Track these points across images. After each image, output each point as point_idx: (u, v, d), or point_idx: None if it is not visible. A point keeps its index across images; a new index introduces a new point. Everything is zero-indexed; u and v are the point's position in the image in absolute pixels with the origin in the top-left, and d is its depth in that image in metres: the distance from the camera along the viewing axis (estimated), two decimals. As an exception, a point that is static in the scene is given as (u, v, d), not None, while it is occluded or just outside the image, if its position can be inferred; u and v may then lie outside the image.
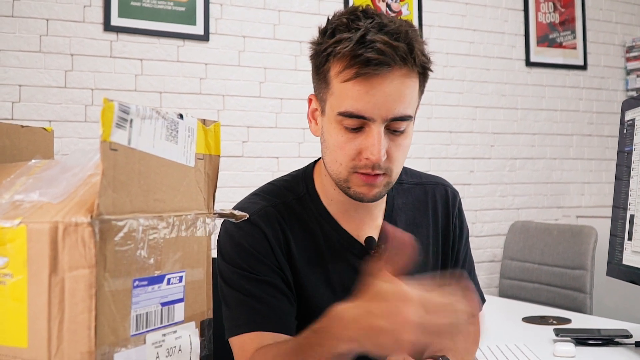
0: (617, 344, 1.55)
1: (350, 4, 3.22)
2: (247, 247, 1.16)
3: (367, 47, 1.03)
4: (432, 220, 1.31)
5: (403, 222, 1.28)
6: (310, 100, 1.22)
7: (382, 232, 1.24)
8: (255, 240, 1.16)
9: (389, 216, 1.26)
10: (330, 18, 1.13)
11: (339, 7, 3.21)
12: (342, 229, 1.22)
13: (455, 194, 1.36)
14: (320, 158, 1.25)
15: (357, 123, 1.07)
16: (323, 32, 1.12)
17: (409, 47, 1.05)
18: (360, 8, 1.11)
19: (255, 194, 1.25)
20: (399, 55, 1.04)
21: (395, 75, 1.05)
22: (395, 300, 0.81)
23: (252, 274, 1.15)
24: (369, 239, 1.21)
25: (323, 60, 1.11)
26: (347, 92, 1.06)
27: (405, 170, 1.34)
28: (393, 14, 3.30)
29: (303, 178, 1.26)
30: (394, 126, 1.08)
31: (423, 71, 1.11)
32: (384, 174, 1.10)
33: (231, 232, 1.18)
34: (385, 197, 1.27)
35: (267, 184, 1.28)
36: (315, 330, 0.93)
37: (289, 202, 1.22)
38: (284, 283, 1.17)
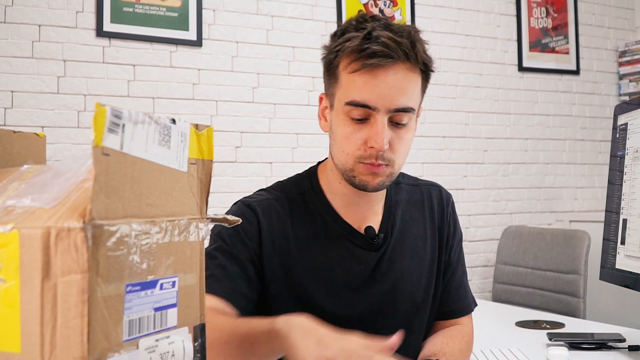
0: (611, 348, 1.55)
1: (343, 9, 3.23)
2: (237, 226, 1.22)
3: (373, 42, 1.11)
4: (428, 217, 1.38)
5: (400, 215, 1.34)
6: (320, 99, 1.28)
7: (382, 224, 1.31)
8: (247, 222, 1.23)
9: (388, 210, 1.32)
10: (341, 24, 1.22)
11: (332, 12, 3.23)
12: (343, 220, 1.28)
13: (448, 194, 1.44)
14: (324, 160, 1.34)
15: (363, 113, 1.14)
16: (334, 34, 1.21)
17: (412, 44, 1.14)
18: (370, 14, 1.20)
19: (262, 189, 1.33)
20: (402, 50, 1.12)
21: (399, 68, 1.13)
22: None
23: (228, 246, 1.21)
24: (369, 228, 1.27)
25: (333, 57, 1.19)
26: (354, 83, 1.14)
27: (402, 174, 1.41)
28: (386, 19, 3.31)
29: (307, 176, 1.34)
30: (397, 118, 1.15)
31: (425, 69, 1.19)
32: (387, 164, 1.17)
33: (229, 210, 1.27)
34: (386, 193, 1.34)
35: (277, 181, 1.36)
36: (267, 331, 1.00)
37: (293, 196, 1.29)
38: (254, 268, 1.22)
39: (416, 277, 1.33)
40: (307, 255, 1.25)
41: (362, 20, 1.17)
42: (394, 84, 1.12)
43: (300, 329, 0.93)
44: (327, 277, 1.25)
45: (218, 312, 1.12)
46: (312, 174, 1.34)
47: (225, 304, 1.15)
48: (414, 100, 1.16)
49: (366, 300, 1.27)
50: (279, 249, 1.24)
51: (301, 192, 1.30)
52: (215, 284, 1.16)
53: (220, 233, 1.23)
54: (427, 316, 1.37)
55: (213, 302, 1.14)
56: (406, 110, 1.14)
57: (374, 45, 1.11)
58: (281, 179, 1.36)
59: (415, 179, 1.44)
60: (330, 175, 1.29)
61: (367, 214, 1.30)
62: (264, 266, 1.23)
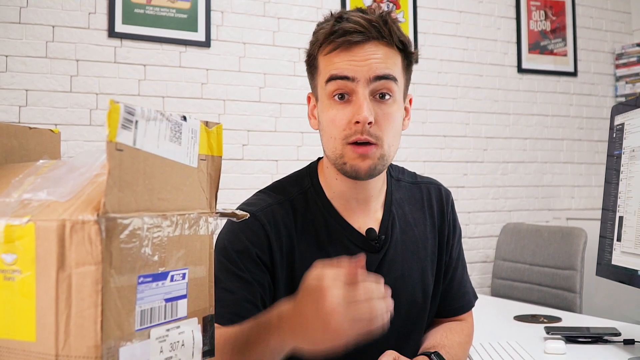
0: (606, 341, 1.56)
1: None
2: (244, 239, 1.18)
3: (344, 22, 1.13)
4: (428, 216, 1.35)
5: (400, 215, 1.31)
6: (309, 99, 1.28)
7: (382, 224, 1.27)
8: (254, 235, 1.18)
9: (387, 209, 1.29)
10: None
11: (337, 14, 3.26)
12: (344, 220, 1.24)
13: (448, 193, 1.40)
14: (322, 158, 1.30)
15: (344, 88, 1.13)
16: (313, 34, 1.22)
17: (384, 22, 1.14)
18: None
19: (262, 192, 1.29)
20: (373, 27, 1.12)
21: (374, 44, 1.13)
22: (318, 292, 0.84)
23: (234, 267, 1.16)
24: (370, 230, 1.24)
25: (310, 50, 1.20)
26: (331, 62, 1.14)
27: (403, 170, 1.39)
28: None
29: (308, 173, 1.30)
30: (380, 89, 1.14)
31: (403, 48, 1.18)
32: (375, 144, 1.14)
33: (233, 222, 1.21)
34: (386, 191, 1.31)
35: (275, 181, 1.32)
36: (258, 323, 0.97)
37: (294, 197, 1.25)
38: (267, 282, 1.18)
39: (417, 278, 1.30)
40: (311, 256, 1.19)
41: (337, 12, 1.18)
42: (370, 55, 1.12)
43: (289, 325, 0.90)
44: None
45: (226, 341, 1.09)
46: (312, 171, 1.30)
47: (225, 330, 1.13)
48: (395, 72, 1.14)
49: None
50: (286, 254, 1.20)
51: (302, 191, 1.26)
52: (221, 311, 1.09)
53: (225, 250, 1.18)
54: (428, 315, 1.35)
55: (221, 330, 1.07)
56: (387, 77, 1.13)
57: (345, 24, 1.12)
58: (279, 178, 1.33)
59: (415, 175, 1.40)
60: (327, 173, 1.25)
61: (366, 212, 1.26)
62: (275, 275, 1.20)
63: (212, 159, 0.68)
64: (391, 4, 3.38)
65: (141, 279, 0.57)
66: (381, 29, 1.12)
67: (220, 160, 0.70)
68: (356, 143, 1.13)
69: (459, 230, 1.41)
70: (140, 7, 2.84)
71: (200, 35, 2.96)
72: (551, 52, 3.84)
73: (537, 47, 3.80)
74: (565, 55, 3.88)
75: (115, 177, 0.53)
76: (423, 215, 1.35)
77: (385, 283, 1.18)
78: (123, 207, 0.54)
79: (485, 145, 3.66)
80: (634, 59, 3.92)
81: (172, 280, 0.61)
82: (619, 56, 4.01)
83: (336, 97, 1.14)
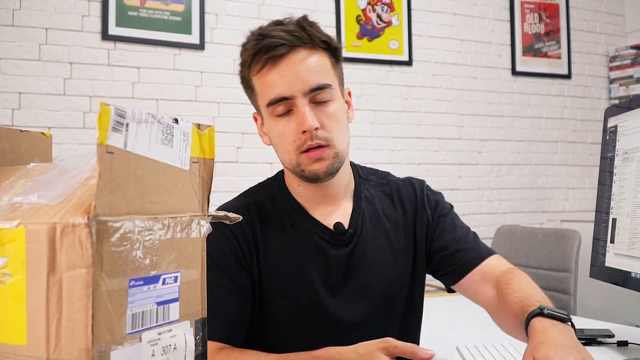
0: (600, 343, 1.55)
1: (342, 15, 3.28)
2: (211, 248, 1.21)
3: (265, 38, 1.16)
4: (400, 210, 1.36)
5: (371, 211, 1.33)
6: (255, 119, 1.31)
7: (352, 219, 1.30)
8: (223, 241, 1.23)
9: (357, 205, 1.32)
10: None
11: (331, 18, 3.27)
12: (313, 218, 1.28)
13: (421, 182, 1.40)
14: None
15: (285, 106, 1.18)
16: (240, 55, 1.25)
17: (301, 28, 1.18)
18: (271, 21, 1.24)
19: (233, 198, 1.34)
20: (294, 36, 1.16)
21: (298, 52, 1.17)
22: None
23: (214, 275, 1.18)
24: (338, 224, 1.27)
25: (242, 73, 1.24)
26: (265, 83, 1.18)
27: (375, 172, 1.42)
28: (383, 24, 3.37)
29: (275, 179, 1.35)
30: (318, 98, 1.18)
31: (327, 47, 1.21)
32: (326, 145, 1.18)
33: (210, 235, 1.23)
34: (354, 190, 1.34)
35: (249, 187, 1.36)
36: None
37: (262, 200, 1.30)
38: (244, 280, 1.23)
39: (392, 271, 1.31)
40: (282, 255, 1.25)
41: (258, 28, 1.21)
42: (300, 68, 1.16)
43: None
44: (303, 274, 1.25)
45: (220, 351, 1.16)
46: (279, 177, 1.34)
47: (223, 345, 1.18)
48: (328, 78, 1.19)
49: (342, 297, 1.27)
50: (254, 253, 1.24)
51: (270, 195, 1.31)
52: (210, 327, 1.14)
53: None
54: (404, 307, 1.34)
55: (212, 346, 1.15)
56: (322, 87, 1.17)
57: (267, 40, 1.15)
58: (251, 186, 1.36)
59: (388, 176, 1.42)
60: (290, 182, 1.30)
61: (335, 210, 1.29)
62: (250, 269, 1.24)
63: (204, 162, 0.68)
64: (386, 7, 3.39)
65: (132, 283, 0.56)
66: (301, 36, 1.17)
67: (212, 163, 0.69)
68: (309, 149, 1.19)
69: (443, 207, 1.39)
70: (133, 10, 2.84)
71: (194, 38, 2.97)
72: (545, 55, 3.86)
73: (531, 50, 3.82)
74: (559, 57, 3.90)
75: (106, 180, 0.53)
76: (394, 209, 1.37)
77: (357, 276, 1.29)
78: (114, 210, 0.53)
79: (479, 147, 3.68)
80: (628, 61, 3.95)
81: (163, 283, 0.60)
82: (613, 59, 4.04)
83: (279, 114, 1.20)
